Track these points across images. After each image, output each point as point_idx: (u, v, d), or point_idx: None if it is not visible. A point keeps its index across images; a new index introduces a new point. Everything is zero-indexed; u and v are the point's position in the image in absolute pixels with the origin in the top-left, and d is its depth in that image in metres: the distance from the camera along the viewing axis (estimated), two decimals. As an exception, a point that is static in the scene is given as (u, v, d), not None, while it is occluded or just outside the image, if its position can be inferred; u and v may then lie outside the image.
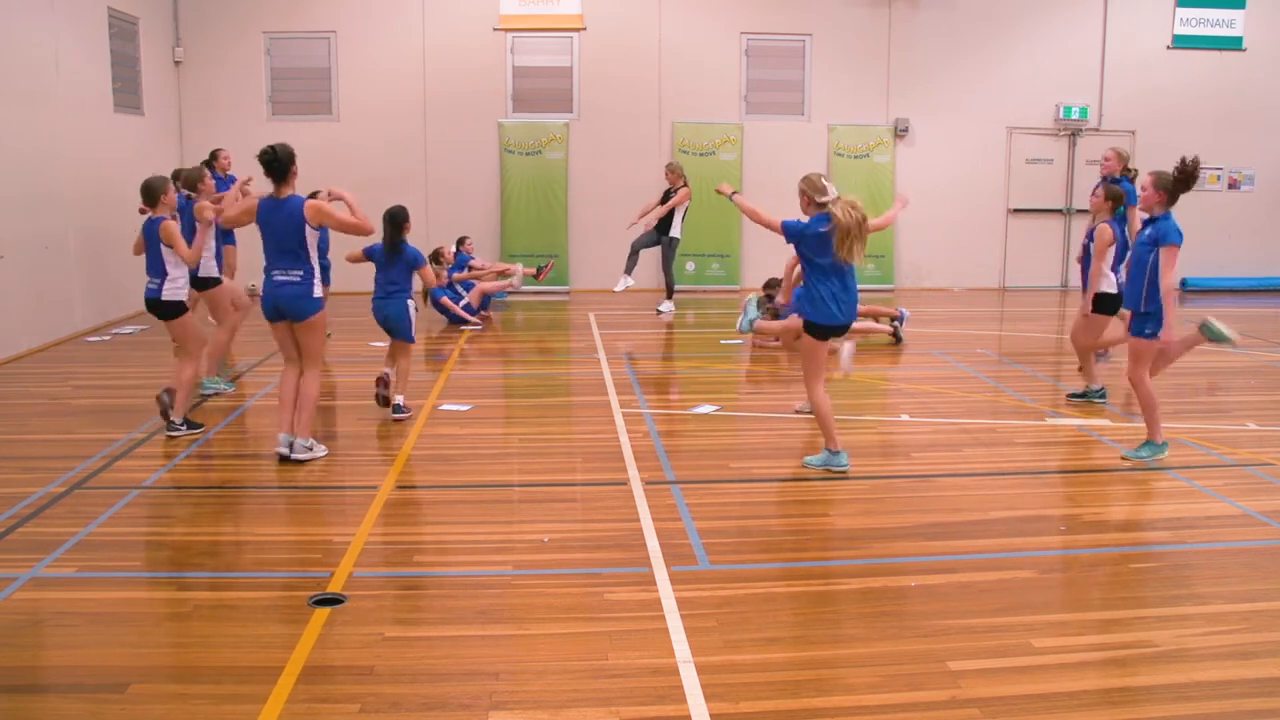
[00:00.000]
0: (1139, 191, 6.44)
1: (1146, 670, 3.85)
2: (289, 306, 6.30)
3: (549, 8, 14.37)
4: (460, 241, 12.50)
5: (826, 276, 6.16)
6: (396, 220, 7.63)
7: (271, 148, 6.21)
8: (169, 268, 7.00)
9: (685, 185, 12.50)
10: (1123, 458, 6.56)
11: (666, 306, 12.72)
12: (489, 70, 14.46)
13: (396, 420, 7.47)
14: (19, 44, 9.99)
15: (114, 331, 11.13)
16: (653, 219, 12.49)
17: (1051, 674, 3.77)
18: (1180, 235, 6.23)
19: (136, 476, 6.11)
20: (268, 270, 6.34)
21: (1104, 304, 7.75)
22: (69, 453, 6.51)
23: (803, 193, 6.25)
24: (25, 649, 4.01)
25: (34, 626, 4.19)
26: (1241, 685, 3.72)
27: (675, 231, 12.52)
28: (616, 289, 12.73)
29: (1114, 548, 5.14)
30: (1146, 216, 6.42)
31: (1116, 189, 7.80)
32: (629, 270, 12.73)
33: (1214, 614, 4.30)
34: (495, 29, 14.39)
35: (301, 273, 6.28)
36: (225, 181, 9.45)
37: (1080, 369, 8.21)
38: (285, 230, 6.23)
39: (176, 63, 13.93)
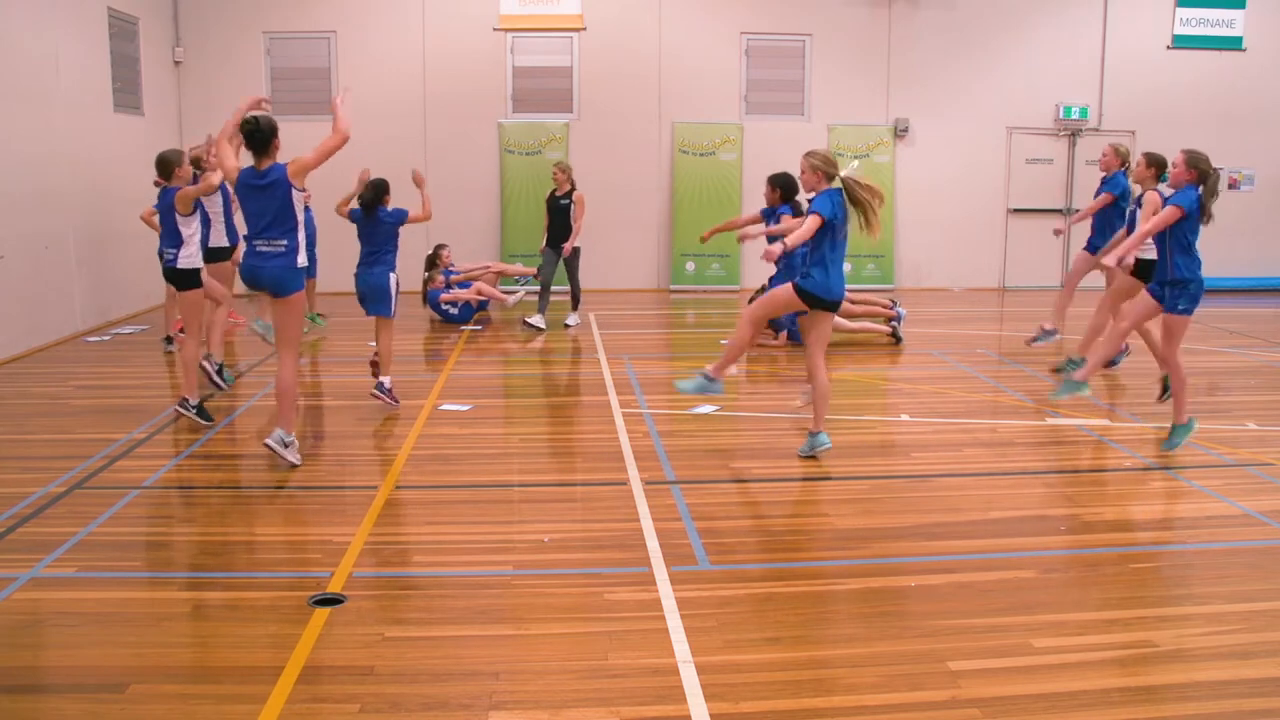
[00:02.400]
0: (1170, 169, 6.53)
1: (1146, 670, 3.85)
2: (271, 280, 6.11)
3: (549, 8, 14.37)
4: (438, 249, 12.12)
5: (835, 249, 6.21)
6: (377, 188, 7.84)
7: (254, 117, 6.04)
8: (184, 235, 7.23)
9: (574, 188, 11.28)
10: (1160, 449, 6.64)
11: (573, 319, 11.56)
12: (489, 70, 14.46)
13: (375, 397, 7.62)
14: (19, 44, 9.98)
15: (114, 331, 11.13)
16: (573, 241, 11.23)
17: (1051, 674, 3.77)
18: (1189, 203, 6.29)
19: (136, 476, 6.11)
20: (250, 239, 6.17)
21: (1144, 271, 7.78)
22: (69, 453, 6.51)
23: (814, 168, 6.26)
24: (25, 649, 4.01)
25: (34, 626, 4.19)
26: (1241, 685, 3.72)
27: (575, 241, 11.26)
28: (569, 323, 11.46)
29: (1114, 548, 5.14)
30: (1171, 191, 6.53)
31: (1158, 155, 7.90)
32: (575, 305, 11.62)
33: (1214, 614, 4.30)
34: (495, 29, 14.38)
35: (286, 243, 6.08)
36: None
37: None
38: (270, 199, 6.03)
39: (176, 63, 13.93)
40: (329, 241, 11.01)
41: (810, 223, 6.13)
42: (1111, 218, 8.82)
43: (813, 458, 6.43)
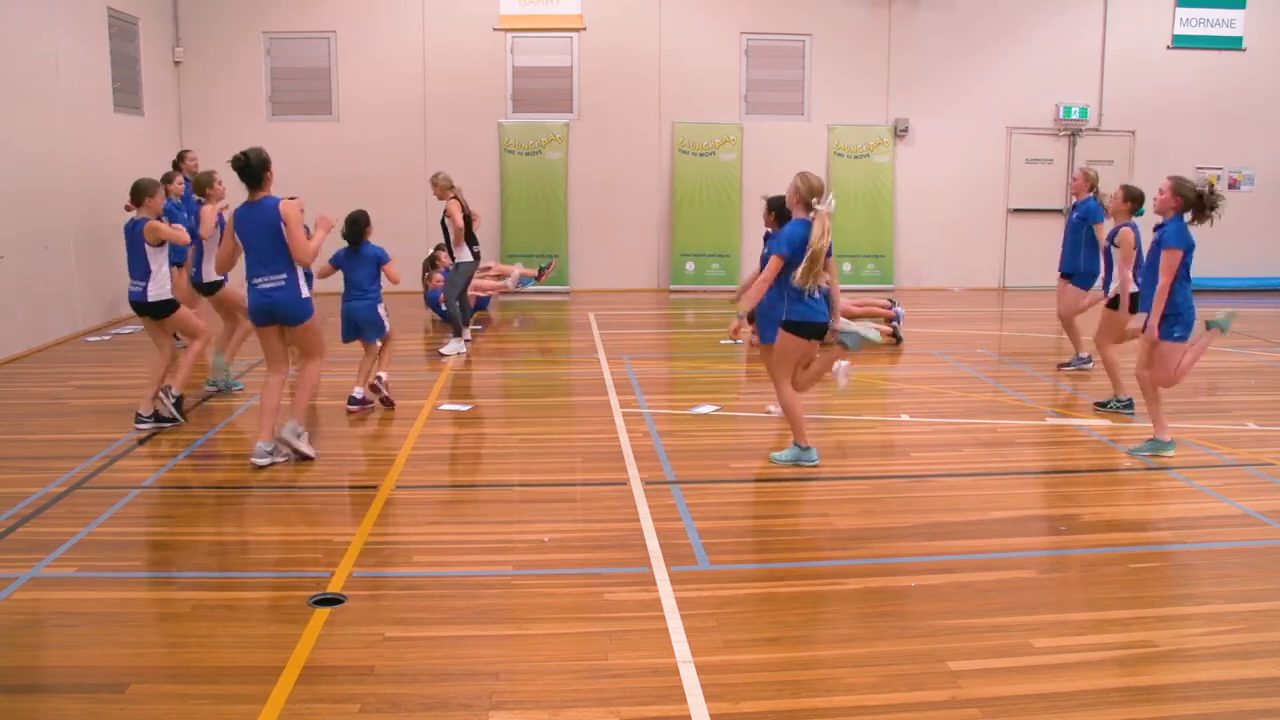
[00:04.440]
0: (1156, 195, 6.46)
1: (1146, 670, 3.85)
2: (283, 313, 6.21)
3: (549, 8, 14.37)
4: (436, 249, 11.98)
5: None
6: (357, 223, 7.80)
7: (244, 153, 6.04)
8: (152, 266, 7.04)
9: (454, 197, 10.01)
10: (1128, 453, 6.58)
11: (451, 348, 9.92)
12: (489, 70, 14.46)
13: (373, 394, 7.66)
14: (19, 44, 9.99)
15: (114, 331, 11.13)
16: (455, 250, 10.13)
17: (1051, 674, 3.77)
18: (1180, 239, 6.22)
19: (136, 476, 6.11)
20: (250, 279, 6.19)
21: (1132, 304, 7.84)
22: (69, 453, 6.51)
23: (795, 190, 6.09)
24: (25, 649, 4.01)
25: (34, 626, 4.19)
26: (1241, 685, 3.72)
27: (462, 255, 10.06)
28: (444, 350, 9.93)
29: (1114, 548, 5.14)
30: (1159, 220, 6.44)
31: (1136, 189, 7.87)
32: (466, 325, 10.37)
33: (1214, 614, 4.30)
34: (495, 29, 14.39)
35: (285, 276, 6.12)
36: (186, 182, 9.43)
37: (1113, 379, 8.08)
38: (262, 233, 6.06)
39: (176, 63, 13.93)
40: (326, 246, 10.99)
41: (770, 266, 6.07)
42: (1080, 241, 8.88)
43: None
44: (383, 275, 7.86)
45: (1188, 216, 6.35)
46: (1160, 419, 6.57)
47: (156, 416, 7.13)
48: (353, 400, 7.66)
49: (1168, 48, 15.28)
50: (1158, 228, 6.41)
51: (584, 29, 14.49)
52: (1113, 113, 15.31)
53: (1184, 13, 15.18)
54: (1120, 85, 15.22)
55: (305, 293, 6.24)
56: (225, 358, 8.29)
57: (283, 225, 6.04)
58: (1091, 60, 15.21)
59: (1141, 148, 15.07)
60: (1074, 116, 15.14)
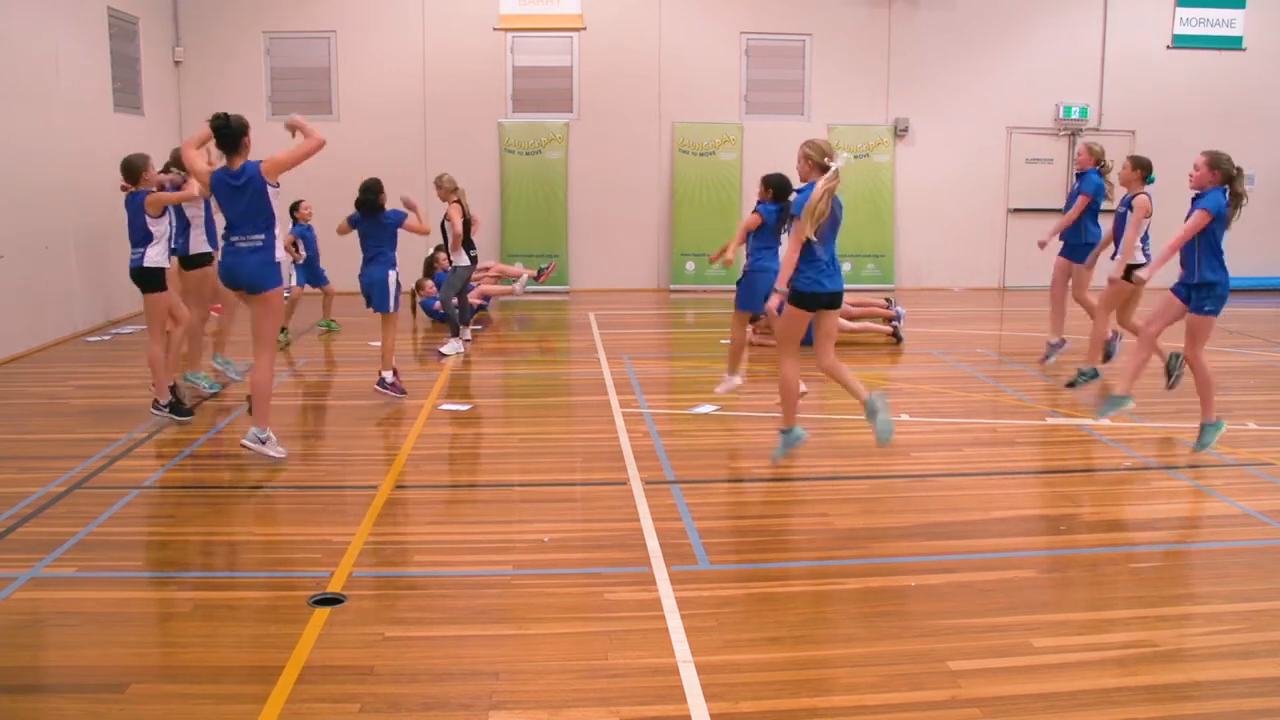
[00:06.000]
0: (1191, 172, 6.42)
1: (1146, 670, 3.85)
2: (249, 276, 6.11)
3: (549, 8, 14.38)
4: (436, 250, 11.93)
5: (812, 248, 5.93)
6: (370, 189, 7.93)
7: (224, 114, 6.06)
8: (154, 232, 7.08)
9: (457, 201, 10.01)
10: (1193, 451, 6.57)
11: (450, 348, 9.82)
12: (489, 70, 14.46)
13: (377, 393, 7.68)
14: (19, 44, 9.99)
15: (114, 331, 11.13)
16: (453, 254, 10.07)
17: (1051, 674, 3.77)
18: (1214, 205, 6.20)
19: (136, 476, 6.11)
20: (227, 237, 6.19)
21: (1132, 274, 7.94)
22: (69, 453, 6.50)
23: (807, 156, 5.94)
24: (25, 649, 4.01)
25: (34, 626, 4.19)
26: (1241, 685, 3.72)
27: (459, 259, 10.00)
28: (443, 350, 9.80)
29: (1114, 548, 5.14)
30: (1196, 193, 6.40)
31: (1143, 158, 7.94)
32: (464, 324, 10.22)
33: (1214, 614, 4.30)
34: (495, 29, 14.39)
35: (263, 238, 6.11)
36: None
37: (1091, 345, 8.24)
38: (246, 197, 6.06)
39: (176, 63, 13.93)
40: (332, 243, 11.01)
41: (795, 233, 5.89)
42: (1084, 218, 8.89)
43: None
44: (398, 239, 7.97)
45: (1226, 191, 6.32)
46: (1132, 376, 6.64)
47: (174, 406, 7.16)
48: (382, 383, 7.72)
49: (1168, 48, 15.28)
50: (1196, 199, 6.37)
51: (584, 29, 14.49)
52: (1113, 113, 15.31)
53: (1184, 13, 15.19)
54: (1120, 85, 15.22)
55: (278, 257, 6.17)
56: (221, 352, 8.26)
57: (268, 187, 6.04)
58: (1091, 60, 15.22)
59: (1141, 148, 14.98)
60: (1074, 116, 15.15)
